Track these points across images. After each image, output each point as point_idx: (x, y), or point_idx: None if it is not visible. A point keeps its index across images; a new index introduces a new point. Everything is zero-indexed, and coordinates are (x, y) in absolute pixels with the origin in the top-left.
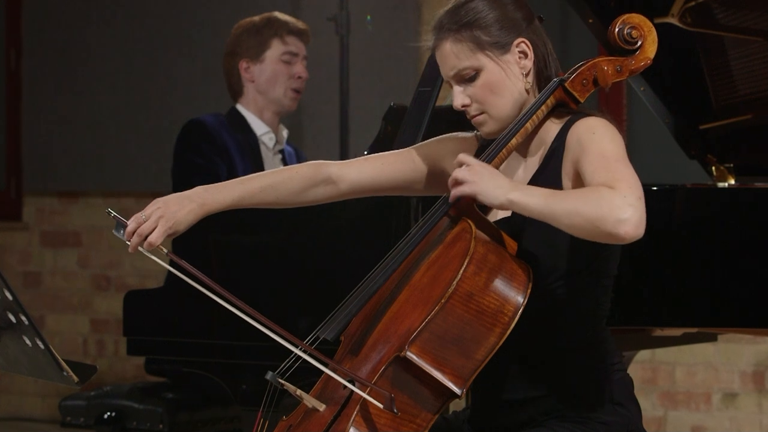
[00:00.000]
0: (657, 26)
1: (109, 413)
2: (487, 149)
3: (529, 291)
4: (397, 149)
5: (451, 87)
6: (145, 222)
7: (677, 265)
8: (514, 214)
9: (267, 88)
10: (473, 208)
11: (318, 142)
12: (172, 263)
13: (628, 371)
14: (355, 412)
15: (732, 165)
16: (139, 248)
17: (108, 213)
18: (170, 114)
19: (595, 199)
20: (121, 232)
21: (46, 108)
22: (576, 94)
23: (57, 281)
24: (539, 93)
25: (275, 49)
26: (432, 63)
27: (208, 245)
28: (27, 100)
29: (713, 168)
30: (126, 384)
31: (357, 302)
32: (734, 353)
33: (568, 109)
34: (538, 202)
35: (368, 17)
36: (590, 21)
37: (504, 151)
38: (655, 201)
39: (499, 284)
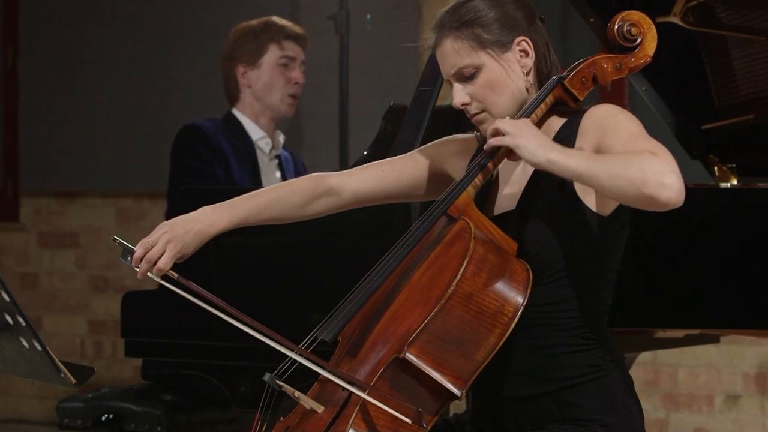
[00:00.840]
0: (659, 26)
1: (106, 415)
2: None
3: (529, 291)
4: (398, 149)
5: (452, 86)
6: (152, 247)
7: (679, 266)
8: (518, 207)
9: (264, 93)
10: (472, 206)
11: (317, 142)
12: (182, 287)
13: (630, 373)
14: (354, 414)
15: (734, 165)
16: (149, 274)
17: (114, 240)
18: (168, 114)
19: (638, 162)
20: (128, 258)
21: (44, 108)
22: (575, 92)
23: (54, 282)
24: (539, 91)
25: (272, 54)
26: (432, 62)
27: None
28: (24, 99)
29: (715, 168)
30: (124, 386)
31: (355, 303)
32: (737, 355)
33: (568, 108)
34: (579, 162)
35: (368, 16)
36: (591, 20)
37: (497, 157)
38: None
39: (498, 284)
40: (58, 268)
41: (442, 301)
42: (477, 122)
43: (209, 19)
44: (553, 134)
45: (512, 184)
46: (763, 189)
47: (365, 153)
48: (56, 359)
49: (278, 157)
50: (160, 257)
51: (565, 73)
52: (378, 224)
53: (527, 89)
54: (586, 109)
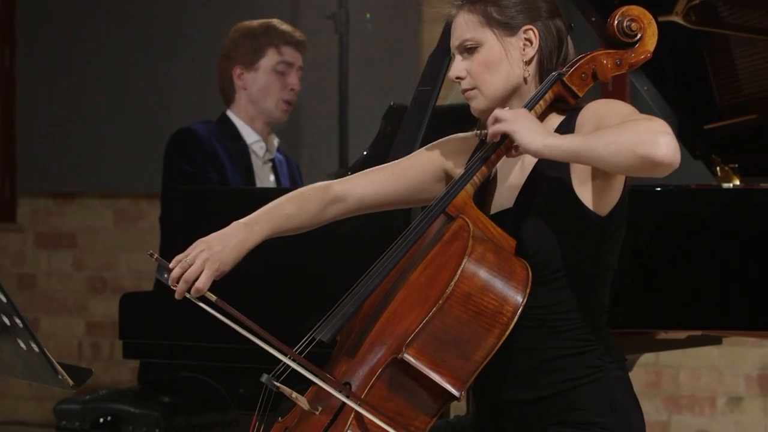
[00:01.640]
0: (660, 25)
1: (104, 417)
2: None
3: (528, 290)
4: (398, 149)
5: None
6: (190, 266)
7: (681, 267)
8: (515, 205)
9: (259, 98)
10: (470, 204)
11: (317, 141)
12: (220, 310)
13: (632, 374)
14: (352, 416)
15: (737, 165)
16: (186, 295)
17: (150, 255)
18: (166, 114)
19: (632, 127)
20: (165, 276)
21: (41, 107)
22: (575, 89)
23: (52, 283)
24: (539, 87)
25: (270, 59)
26: (432, 61)
27: None
28: (21, 99)
29: (718, 168)
30: (122, 387)
31: (353, 303)
32: (739, 357)
33: (568, 105)
34: (574, 140)
35: (368, 15)
36: (593, 19)
37: (502, 147)
38: (658, 202)
39: (497, 284)
40: (55, 269)
41: (441, 302)
42: (467, 98)
43: (208, 19)
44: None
45: (510, 182)
46: (765, 189)
47: (365, 153)
48: (54, 361)
49: (272, 160)
50: (198, 277)
51: (564, 69)
52: (378, 226)
53: (525, 78)
54: (581, 107)
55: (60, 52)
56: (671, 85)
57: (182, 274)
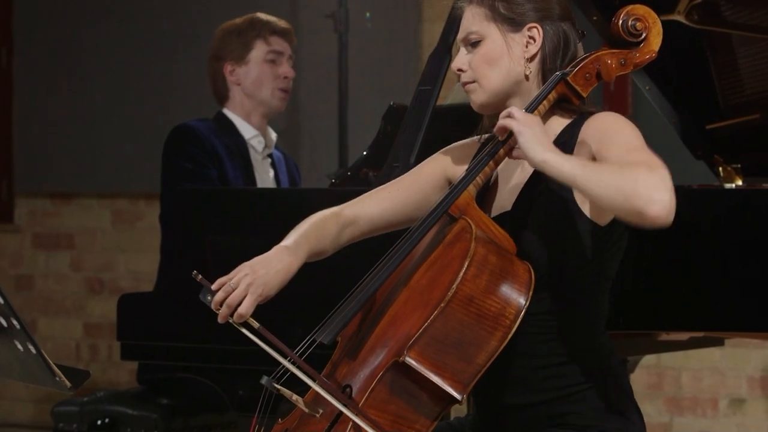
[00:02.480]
0: (663, 24)
1: (102, 419)
2: (489, 144)
3: (531, 293)
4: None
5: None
6: (233, 290)
7: (683, 268)
8: (513, 208)
9: (254, 90)
10: (473, 205)
11: (316, 142)
12: (262, 338)
13: (633, 376)
14: (351, 423)
15: (739, 166)
16: (229, 320)
17: (194, 276)
18: (165, 114)
19: (632, 174)
20: (208, 298)
21: (39, 108)
22: (579, 89)
23: (49, 284)
24: (542, 87)
25: (259, 50)
26: (432, 61)
27: (204, 247)
28: (19, 99)
29: (720, 169)
30: (120, 389)
31: (354, 304)
32: (741, 358)
33: (572, 106)
34: (573, 167)
35: (367, 14)
36: (594, 18)
37: (505, 147)
38: None
39: (500, 286)
40: (53, 269)
41: (442, 304)
42: (467, 91)
43: (206, 19)
44: (554, 137)
45: (510, 184)
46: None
47: (365, 153)
48: (51, 362)
49: (270, 156)
50: (241, 302)
51: (568, 69)
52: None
53: (526, 76)
54: (588, 115)
55: (58, 52)
56: (673, 84)
57: (225, 298)
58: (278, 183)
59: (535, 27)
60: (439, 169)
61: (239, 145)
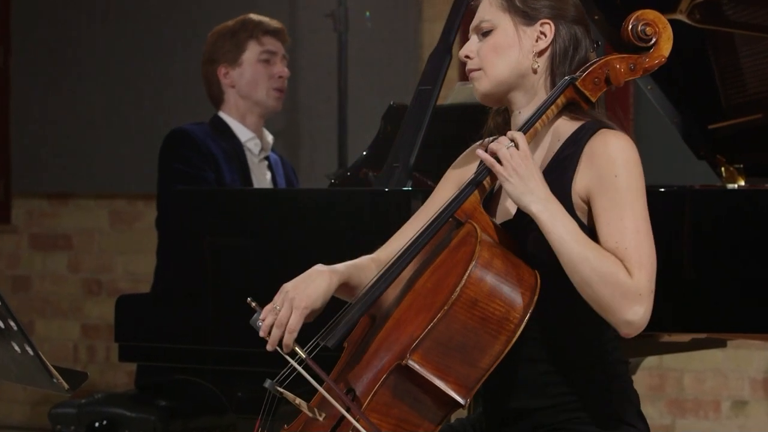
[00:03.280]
0: None
1: (100, 421)
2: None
3: (536, 297)
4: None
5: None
6: (279, 311)
7: (685, 269)
8: (516, 216)
9: (249, 91)
10: (480, 209)
11: (316, 141)
12: (309, 371)
13: (635, 378)
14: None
15: (742, 166)
16: (277, 349)
17: (248, 303)
18: (162, 114)
19: (613, 282)
20: (258, 324)
21: (36, 108)
22: (587, 93)
23: (47, 285)
24: (550, 87)
25: (252, 51)
26: (433, 60)
27: (203, 246)
28: (16, 99)
29: (722, 169)
30: (118, 391)
31: (358, 309)
32: (744, 360)
33: (580, 110)
34: (560, 236)
35: (367, 13)
36: (596, 17)
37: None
38: (662, 203)
39: (504, 290)
40: (50, 270)
41: (446, 307)
42: (472, 78)
43: (204, 20)
44: (560, 143)
45: None
46: None
47: (365, 153)
48: (49, 364)
49: (267, 158)
50: (288, 319)
51: (577, 74)
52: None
53: (534, 70)
54: (597, 125)
55: (55, 52)
56: (676, 84)
57: (273, 322)
58: (275, 186)
59: (548, 23)
60: (452, 187)
61: (236, 148)
